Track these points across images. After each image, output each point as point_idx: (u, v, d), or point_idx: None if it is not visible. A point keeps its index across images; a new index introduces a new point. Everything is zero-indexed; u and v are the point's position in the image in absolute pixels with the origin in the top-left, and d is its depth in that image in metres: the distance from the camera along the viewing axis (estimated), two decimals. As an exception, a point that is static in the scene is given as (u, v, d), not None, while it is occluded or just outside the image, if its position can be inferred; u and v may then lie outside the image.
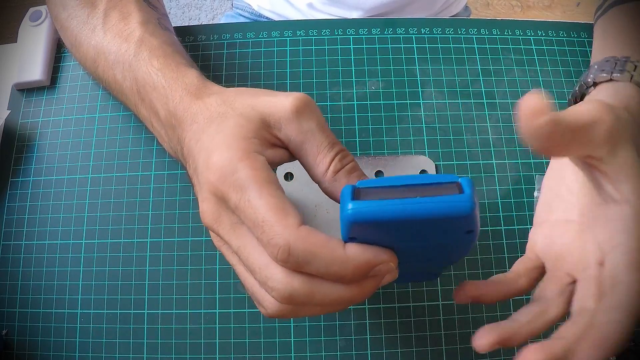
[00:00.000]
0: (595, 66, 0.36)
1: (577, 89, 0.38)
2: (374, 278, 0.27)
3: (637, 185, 0.26)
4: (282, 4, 0.71)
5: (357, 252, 0.26)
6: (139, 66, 0.37)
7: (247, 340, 0.43)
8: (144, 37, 0.39)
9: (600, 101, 0.27)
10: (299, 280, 0.26)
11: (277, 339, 0.43)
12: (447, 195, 0.23)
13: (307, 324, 0.43)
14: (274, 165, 0.30)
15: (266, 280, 0.26)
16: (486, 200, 0.46)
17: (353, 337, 0.43)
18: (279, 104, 0.30)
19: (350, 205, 0.24)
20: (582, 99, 0.38)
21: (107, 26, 0.41)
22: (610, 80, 0.34)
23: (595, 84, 0.36)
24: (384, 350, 0.43)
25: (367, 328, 0.43)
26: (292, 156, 0.32)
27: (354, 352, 0.42)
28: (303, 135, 0.30)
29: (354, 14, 0.67)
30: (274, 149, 0.30)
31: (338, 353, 0.42)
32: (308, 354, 0.42)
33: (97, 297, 0.44)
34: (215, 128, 0.30)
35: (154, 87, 0.36)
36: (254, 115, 0.30)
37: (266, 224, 0.25)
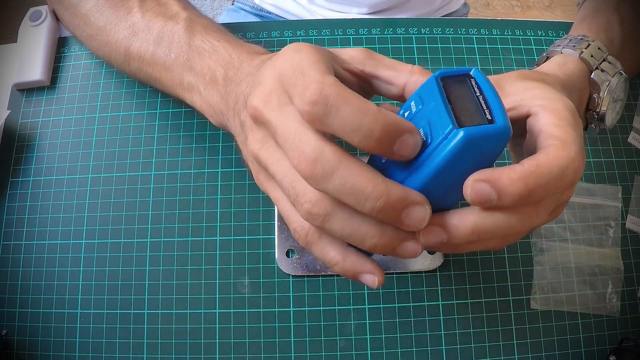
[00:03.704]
0: (555, 42, 0.42)
1: (536, 63, 0.43)
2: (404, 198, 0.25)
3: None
4: None
5: (387, 112, 0.24)
6: (194, 38, 0.39)
7: (247, 340, 0.43)
8: (191, 17, 0.41)
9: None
10: (330, 148, 0.25)
11: (277, 339, 0.43)
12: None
13: (307, 324, 0.43)
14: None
15: (298, 145, 0.25)
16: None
17: (353, 337, 0.43)
18: (349, 50, 0.33)
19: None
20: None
21: (145, 8, 0.43)
22: (561, 53, 0.40)
23: (548, 58, 0.41)
24: (384, 350, 0.43)
25: (367, 328, 0.43)
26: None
27: (353, 352, 0.42)
28: (377, 60, 0.32)
29: (355, 9, 0.67)
30: (341, 77, 0.31)
31: (338, 353, 0.42)
32: (308, 354, 0.42)
33: (97, 297, 0.44)
34: (289, 53, 0.30)
35: (214, 51, 0.38)
36: (325, 51, 0.30)
37: (306, 76, 0.25)
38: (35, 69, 0.50)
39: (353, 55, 0.32)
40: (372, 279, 0.29)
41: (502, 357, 0.42)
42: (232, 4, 0.80)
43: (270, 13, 0.73)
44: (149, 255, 0.45)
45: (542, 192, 0.25)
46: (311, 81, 0.24)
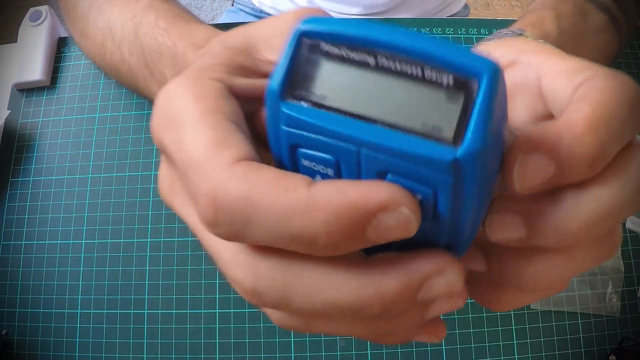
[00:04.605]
0: (488, 37, 0.35)
1: None
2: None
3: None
4: (283, 0, 0.71)
5: (331, 190, 0.14)
6: (145, 32, 0.35)
7: (247, 340, 0.43)
8: (152, 2, 0.37)
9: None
10: (265, 263, 0.16)
11: (277, 339, 0.43)
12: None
13: (307, 324, 0.43)
14: (248, 95, 0.19)
15: (224, 267, 0.17)
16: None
17: (353, 337, 0.43)
18: (273, 20, 0.22)
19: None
20: None
21: (114, 2, 0.39)
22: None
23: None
24: (384, 350, 0.43)
25: (367, 328, 0.43)
26: None
27: (353, 352, 0.42)
28: None
29: (354, 10, 0.67)
30: (253, 77, 0.20)
31: (338, 353, 0.42)
32: (308, 354, 0.42)
33: (97, 297, 0.44)
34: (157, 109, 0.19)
35: (160, 53, 0.34)
36: (236, 40, 0.21)
37: (192, 167, 0.16)
38: (35, 69, 0.50)
39: (274, 43, 0.21)
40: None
41: (502, 357, 0.42)
42: (232, 5, 0.80)
43: (269, 15, 0.73)
44: (149, 255, 0.45)
45: (615, 145, 0.16)
46: (198, 184, 0.15)
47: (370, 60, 0.14)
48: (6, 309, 0.44)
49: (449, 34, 0.53)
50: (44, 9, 0.52)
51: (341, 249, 0.14)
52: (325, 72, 0.15)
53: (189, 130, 0.16)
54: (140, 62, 0.36)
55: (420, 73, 0.14)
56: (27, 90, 0.51)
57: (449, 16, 0.75)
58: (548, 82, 0.19)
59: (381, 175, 0.15)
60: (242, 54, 0.21)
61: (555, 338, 0.43)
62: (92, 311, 0.43)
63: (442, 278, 0.15)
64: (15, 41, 0.52)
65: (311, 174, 0.16)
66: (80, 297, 0.44)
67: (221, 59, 0.20)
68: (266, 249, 0.16)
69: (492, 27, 0.53)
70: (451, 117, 0.14)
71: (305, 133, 0.15)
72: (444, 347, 0.42)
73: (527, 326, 0.43)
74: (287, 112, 0.15)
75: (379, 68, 0.14)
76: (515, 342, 0.43)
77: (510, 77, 0.20)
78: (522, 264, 0.17)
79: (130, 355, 0.42)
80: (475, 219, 0.16)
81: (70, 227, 0.46)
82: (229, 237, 0.15)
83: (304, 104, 0.15)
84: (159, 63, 0.34)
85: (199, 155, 0.16)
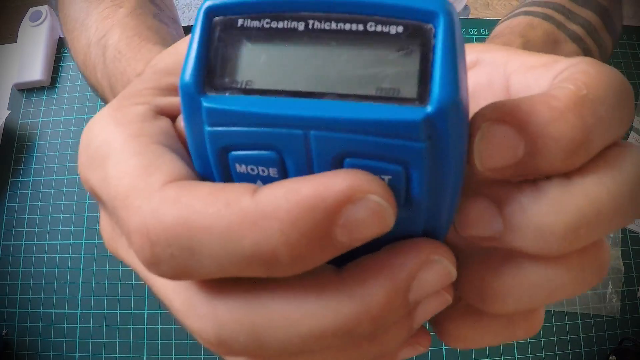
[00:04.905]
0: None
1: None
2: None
3: None
4: None
5: (279, 192, 0.11)
6: (109, 55, 0.33)
7: (247, 340, 0.43)
8: (124, 19, 0.34)
9: None
10: (225, 304, 0.13)
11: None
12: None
13: (307, 324, 0.43)
14: (179, 111, 0.17)
15: (180, 318, 0.14)
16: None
17: None
18: None
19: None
20: None
21: (93, 17, 0.36)
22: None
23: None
24: (384, 350, 0.43)
25: (367, 328, 0.43)
26: None
27: None
28: None
29: None
30: None
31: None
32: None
33: (97, 297, 0.44)
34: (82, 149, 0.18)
35: (116, 79, 0.32)
36: (165, 61, 0.19)
37: (119, 202, 0.13)
38: (35, 69, 0.50)
39: None
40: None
41: (502, 357, 0.42)
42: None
43: None
44: (149, 255, 0.45)
45: (600, 137, 0.13)
46: (127, 219, 0.13)
47: (300, 26, 0.12)
48: (6, 309, 0.44)
49: (476, 43, 0.53)
50: (44, 9, 0.52)
51: (308, 261, 0.12)
52: (247, 51, 0.12)
53: (112, 163, 0.14)
54: (108, 86, 0.34)
55: (362, 28, 0.12)
56: (27, 90, 0.51)
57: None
58: (520, 78, 0.16)
59: (338, 163, 0.12)
60: (171, 73, 0.18)
61: (555, 338, 0.43)
62: (92, 311, 0.43)
63: (432, 269, 0.13)
64: (15, 41, 0.52)
65: (250, 181, 0.13)
66: (80, 297, 0.44)
67: (148, 83, 0.18)
68: (222, 286, 0.13)
69: (492, 27, 0.53)
70: (409, 72, 0.11)
71: (235, 129, 0.12)
72: (443, 347, 0.42)
73: (527, 326, 0.43)
74: (210, 106, 0.12)
75: (311, 33, 0.12)
76: (515, 342, 0.43)
77: (473, 78, 0.17)
78: (490, 273, 0.14)
79: (130, 355, 0.42)
80: (453, 198, 0.13)
81: (70, 227, 0.46)
82: (175, 275, 0.13)
83: (229, 93, 0.12)
84: (118, 90, 0.32)
85: (124, 187, 0.13)
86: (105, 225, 0.17)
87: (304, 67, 0.12)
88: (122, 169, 0.14)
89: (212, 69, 0.12)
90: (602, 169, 0.13)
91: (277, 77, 0.12)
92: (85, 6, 0.38)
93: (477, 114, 0.13)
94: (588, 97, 0.13)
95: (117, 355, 0.42)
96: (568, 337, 0.43)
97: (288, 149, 0.12)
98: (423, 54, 0.11)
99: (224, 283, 0.13)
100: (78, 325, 0.43)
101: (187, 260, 0.12)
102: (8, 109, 0.50)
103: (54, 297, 0.44)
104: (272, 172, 0.13)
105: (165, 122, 0.15)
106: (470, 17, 0.83)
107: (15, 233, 0.46)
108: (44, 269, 0.45)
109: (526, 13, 0.36)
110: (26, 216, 0.46)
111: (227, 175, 0.13)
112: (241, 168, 0.13)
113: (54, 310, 0.44)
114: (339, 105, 0.11)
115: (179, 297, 0.14)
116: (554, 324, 0.44)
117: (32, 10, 0.52)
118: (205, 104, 0.12)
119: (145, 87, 0.17)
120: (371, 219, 0.11)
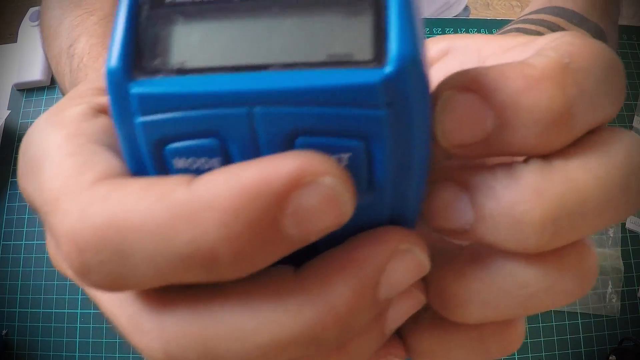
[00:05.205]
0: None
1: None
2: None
3: None
4: None
5: (217, 178, 0.10)
6: (73, 63, 0.32)
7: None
8: (92, 26, 0.33)
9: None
10: (171, 318, 0.12)
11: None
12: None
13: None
14: None
15: (127, 337, 0.13)
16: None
17: None
18: None
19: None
20: None
21: (65, 25, 0.35)
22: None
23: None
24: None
25: (367, 328, 0.43)
26: None
27: None
28: None
29: None
30: None
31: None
32: None
33: (97, 297, 0.44)
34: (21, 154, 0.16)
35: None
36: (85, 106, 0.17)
37: (49, 208, 0.12)
38: (35, 69, 0.50)
39: None
40: None
41: (502, 357, 0.42)
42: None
43: None
44: (149, 255, 0.45)
45: (584, 114, 0.11)
46: (56, 225, 0.11)
47: None
48: (6, 309, 0.44)
49: (449, 33, 0.53)
50: (44, 9, 0.52)
51: (255, 259, 0.10)
52: (179, 29, 0.11)
53: (47, 167, 0.13)
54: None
55: None
56: (27, 90, 0.51)
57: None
58: (498, 60, 0.14)
59: (288, 144, 0.11)
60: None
61: (555, 338, 0.43)
62: (92, 311, 0.43)
63: (402, 260, 0.11)
64: (15, 41, 0.52)
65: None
66: (80, 297, 0.44)
67: (91, 84, 0.16)
68: (169, 298, 0.12)
69: (492, 27, 0.53)
70: (361, 33, 0.10)
71: (170, 115, 0.11)
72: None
73: (527, 326, 0.43)
74: (140, 91, 0.10)
75: (248, 3, 0.11)
76: (515, 342, 0.43)
77: (445, 67, 0.16)
78: (453, 274, 0.12)
79: (130, 356, 0.42)
80: (420, 178, 0.11)
81: (70, 227, 0.46)
82: (108, 285, 0.11)
83: (161, 76, 0.11)
84: None
85: (55, 190, 0.12)
86: (49, 239, 0.14)
87: (244, 39, 0.10)
88: (56, 171, 0.12)
89: (141, 51, 0.11)
90: (588, 153, 0.11)
91: (214, 53, 0.11)
92: (60, 13, 0.36)
93: (439, 84, 0.11)
94: (570, 66, 0.11)
95: (117, 355, 0.42)
96: (568, 337, 0.43)
97: (231, 133, 0.11)
98: (375, 11, 0.10)
99: (171, 294, 0.12)
100: (78, 325, 0.43)
101: (120, 267, 0.11)
102: (8, 109, 0.50)
103: (54, 297, 0.44)
104: (216, 163, 0.11)
105: (105, 120, 0.14)
106: (471, 17, 0.83)
107: (15, 233, 0.46)
108: (44, 269, 0.45)
109: (518, 30, 0.35)
110: (26, 216, 0.46)
111: (165, 174, 0.11)
112: (180, 162, 0.11)
113: (54, 310, 0.44)
114: (285, 76, 0.10)
115: (124, 312, 0.12)
116: (553, 324, 0.44)
117: (32, 10, 0.52)
118: (134, 89, 0.10)
119: (87, 88, 0.16)
120: (324, 205, 0.10)
